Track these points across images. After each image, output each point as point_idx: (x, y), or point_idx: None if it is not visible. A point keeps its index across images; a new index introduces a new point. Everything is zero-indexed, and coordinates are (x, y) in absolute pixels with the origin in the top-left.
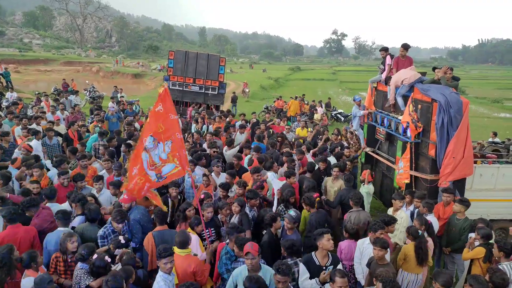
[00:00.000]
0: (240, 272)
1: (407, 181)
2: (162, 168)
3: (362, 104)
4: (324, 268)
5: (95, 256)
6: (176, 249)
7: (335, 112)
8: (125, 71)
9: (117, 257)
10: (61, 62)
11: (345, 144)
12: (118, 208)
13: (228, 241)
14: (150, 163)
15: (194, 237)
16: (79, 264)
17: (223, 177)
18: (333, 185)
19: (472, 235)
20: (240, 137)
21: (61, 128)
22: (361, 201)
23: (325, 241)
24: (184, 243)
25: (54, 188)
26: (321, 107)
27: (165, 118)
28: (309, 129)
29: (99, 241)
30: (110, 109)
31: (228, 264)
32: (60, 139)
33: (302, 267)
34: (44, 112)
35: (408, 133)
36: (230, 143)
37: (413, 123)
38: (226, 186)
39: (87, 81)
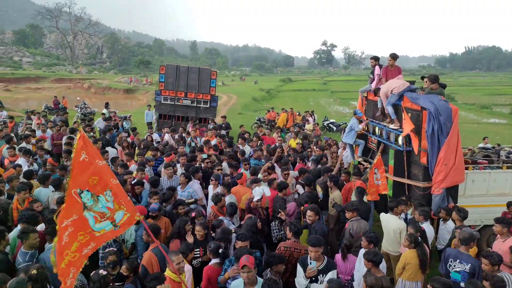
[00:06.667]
0: (237, 286)
1: (387, 192)
2: (114, 216)
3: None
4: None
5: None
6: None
7: (327, 122)
8: (116, 86)
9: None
10: (52, 79)
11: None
12: None
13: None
14: (100, 216)
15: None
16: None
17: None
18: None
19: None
20: (246, 149)
21: (47, 146)
22: (360, 211)
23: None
24: None
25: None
26: (312, 117)
27: (94, 167)
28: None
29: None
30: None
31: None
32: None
33: (298, 267)
34: (34, 131)
35: (400, 141)
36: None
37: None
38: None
39: (78, 98)
